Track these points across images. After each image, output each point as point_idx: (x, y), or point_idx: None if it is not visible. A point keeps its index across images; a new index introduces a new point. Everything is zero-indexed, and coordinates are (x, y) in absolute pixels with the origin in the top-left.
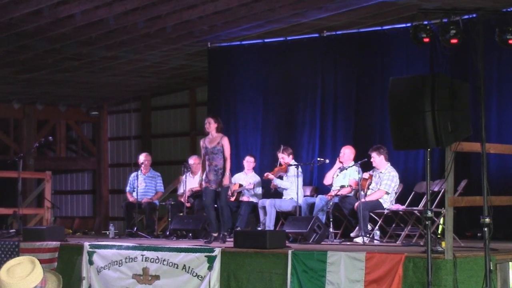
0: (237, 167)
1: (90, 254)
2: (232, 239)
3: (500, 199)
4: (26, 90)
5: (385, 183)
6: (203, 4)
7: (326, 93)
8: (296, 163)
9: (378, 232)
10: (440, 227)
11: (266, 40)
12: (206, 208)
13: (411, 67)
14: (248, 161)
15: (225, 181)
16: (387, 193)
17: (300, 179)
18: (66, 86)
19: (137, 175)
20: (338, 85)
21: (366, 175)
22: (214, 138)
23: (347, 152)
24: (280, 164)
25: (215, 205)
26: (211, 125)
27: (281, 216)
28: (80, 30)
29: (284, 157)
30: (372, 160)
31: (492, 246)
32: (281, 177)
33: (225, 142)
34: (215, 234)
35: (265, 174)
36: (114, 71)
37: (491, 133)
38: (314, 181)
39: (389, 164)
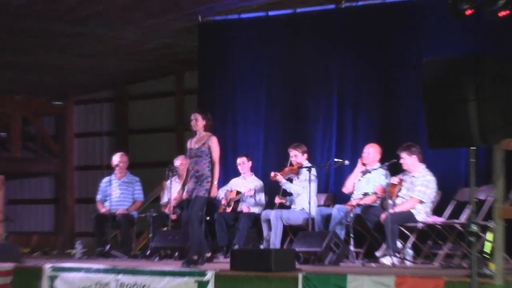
0: (235, 171)
1: (52, 279)
2: (228, 260)
3: None
4: None
5: (418, 190)
6: None
7: (345, 79)
8: (309, 165)
9: (410, 251)
10: (488, 244)
11: (270, 13)
12: (191, 226)
13: (450, 46)
14: (240, 163)
15: (213, 192)
16: (421, 202)
17: (314, 185)
18: (23, 70)
19: (110, 181)
20: (360, 68)
21: (395, 180)
22: (201, 137)
23: (372, 152)
24: (291, 164)
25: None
26: (198, 122)
27: (289, 231)
28: None
29: (297, 156)
30: (402, 161)
31: None
32: (290, 180)
33: (213, 143)
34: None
35: (273, 174)
36: (82, 52)
37: None
38: (331, 187)
39: (423, 166)
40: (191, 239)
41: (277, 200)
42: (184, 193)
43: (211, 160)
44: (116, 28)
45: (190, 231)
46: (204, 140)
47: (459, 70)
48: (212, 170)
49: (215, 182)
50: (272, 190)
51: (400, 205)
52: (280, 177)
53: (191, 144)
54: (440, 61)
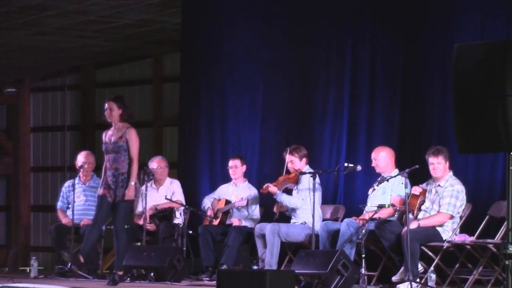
0: (224, 176)
1: None
2: (214, 283)
3: None
4: None
5: (447, 203)
6: None
7: (359, 68)
8: (311, 171)
9: (433, 276)
10: None
11: None
12: (116, 236)
13: (487, 30)
14: (232, 166)
15: (129, 193)
16: (452, 216)
17: (318, 195)
18: None
19: (73, 185)
20: (378, 55)
21: (416, 189)
22: (118, 129)
23: (382, 157)
24: (288, 171)
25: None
26: (113, 112)
27: (288, 249)
28: None
29: (294, 161)
30: (435, 168)
31: None
32: (288, 191)
33: (131, 135)
34: (121, 273)
35: (264, 186)
36: (40, 28)
37: None
38: (339, 198)
39: (451, 173)
40: (117, 252)
41: (276, 208)
42: (100, 188)
43: (128, 155)
44: (80, 0)
45: (115, 241)
46: (121, 133)
47: (498, 58)
48: (129, 168)
49: (133, 183)
50: (268, 200)
51: (425, 219)
52: (273, 189)
53: (106, 137)
54: (474, 46)
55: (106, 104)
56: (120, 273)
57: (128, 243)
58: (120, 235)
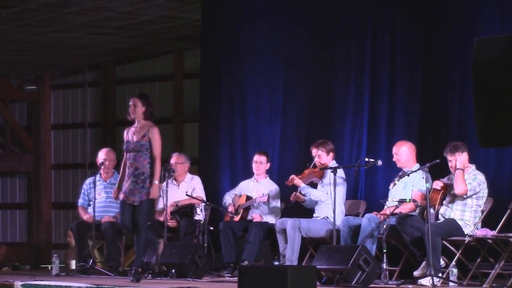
0: (245, 172)
1: None
2: (235, 279)
3: None
4: None
5: (469, 183)
6: None
7: (379, 62)
8: (334, 165)
9: (455, 270)
10: None
11: None
12: (138, 234)
13: (506, 23)
14: (257, 162)
15: (153, 191)
16: (467, 197)
17: (340, 189)
18: None
19: (94, 182)
20: (398, 49)
21: (438, 184)
22: (141, 128)
23: (403, 152)
24: (314, 165)
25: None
26: (137, 109)
27: (309, 245)
28: None
29: (321, 155)
30: (453, 165)
31: None
32: (313, 185)
33: (154, 134)
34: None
35: (290, 178)
36: (60, 26)
37: None
38: (360, 193)
39: (473, 167)
40: (136, 249)
41: (293, 196)
42: (121, 194)
43: (151, 155)
44: None
45: (136, 240)
46: (144, 131)
47: None
48: (152, 167)
49: (156, 182)
50: (289, 196)
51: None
52: (298, 181)
53: (129, 135)
54: (494, 40)
55: (131, 100)
56: (140, 270)
57: (151, 240)
58: (142, 232)
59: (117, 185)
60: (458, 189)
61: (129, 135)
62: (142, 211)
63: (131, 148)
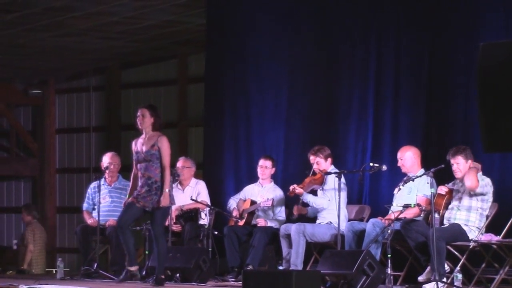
0: (249, 176)
1: None
2: (240, 283)
3: None
4: None
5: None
6: None
7: (384, 67)
8: (337, 170)
9: (459, 276)
10: None
11: None
12: (121, 230)
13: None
14: (263, 166)
15: (164, 200)
16: (475, 195)
17: (343, 195)
18: None
19: (98, 186)
20: (402, 54)
21: (442, 189)
22: (149, 138)
23: (408, 157)
24: (314, 173)
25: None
26: (145, 119)
27: (313, 250)
28: None
29: (320, 162)
30: (455, 169)
31: None
32: (314, 192)
33: (163, 143)
34: (133, 269)
35: (291, 188)
36: (64, 30)
37: None
38: (365, 198)
39: (480, 173)
40: (158, 256)
41: (296, 210)
42: (130, 198)
43: (160, 163)
44: (105, 1)
45: (156, 248)
46: (153, 141)
47: None
48: (162, 176)
49: (167, 190)
50: (294, 201)
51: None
52: (300, 191)
53: (138, 146)
54: (499, 45)
55: (139, 111)
56: (163, 276)
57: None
58: (160, 240)
59: (127, 196)
60: (468, 182)
61: (138, 146)
62: (157, 220)
63: (141, 158)
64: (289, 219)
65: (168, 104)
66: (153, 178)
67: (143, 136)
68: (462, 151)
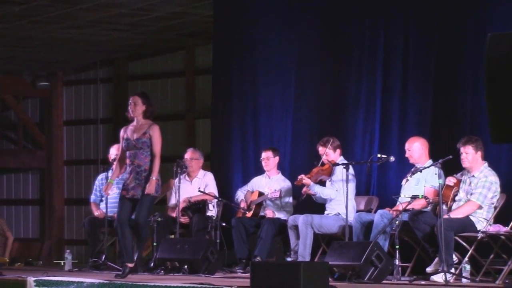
0: (257, 168)
1: None
2: (248, 275)
3: None
4: None
5: (478, 193)
6: None
7: (391, 58)
8: (345, 162)
9: (467, 266)
10: None
11: None
12: (120, 227)
13: None
14: (264, 158)
15: (149, 187)
16: (481, 207)
17: (352, 186)
18: (1, 44)
19: (106, 178)
20: (410, 45)
21: (450, 180)
22: (141, 126)
23: (416, 148)
24: (323, 164)
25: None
26: (137, 107)
27: (321, 241)
28: None
29: (329, 153)
30: (464, 157)
31: None
32: (322, 183)
33: (155, 132)
34: (131, 265)
35: (299, 177)
36: (72, 22)
37: None
38: (373, 189)
39: (486, 164)
40: (138, 244)
41: (304, 190)
42: (122, 190)
43: (151, 152)
44: None
45: (135, 234)
46: (145, 129)
47: None
48: (151, 164)
49: (154, 178)
50: (301, 191)
51: (456, 210)
52: (307, 181)
53: (128, 133)
54: (507, 36)
55: (131, 99)
56: (131, 265)
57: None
58: (140, 228)
59: (108, 181)
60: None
61: (128, 133)
62: (143, 206)
63: (131, 145)
64: (302, 209)
65: (175, 96)
66: (142, 166)
67: (134, 123)
68: (474, 142)
